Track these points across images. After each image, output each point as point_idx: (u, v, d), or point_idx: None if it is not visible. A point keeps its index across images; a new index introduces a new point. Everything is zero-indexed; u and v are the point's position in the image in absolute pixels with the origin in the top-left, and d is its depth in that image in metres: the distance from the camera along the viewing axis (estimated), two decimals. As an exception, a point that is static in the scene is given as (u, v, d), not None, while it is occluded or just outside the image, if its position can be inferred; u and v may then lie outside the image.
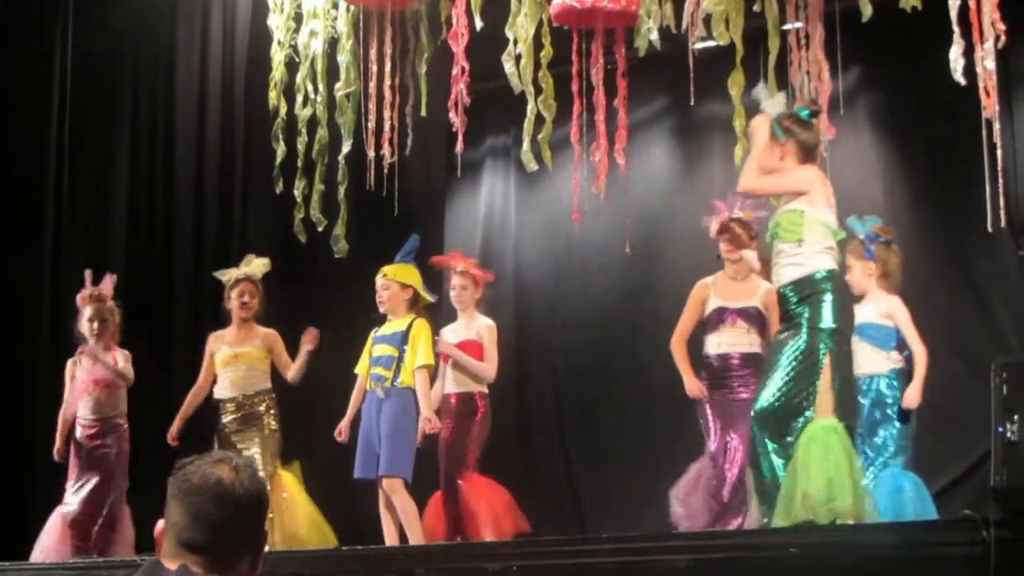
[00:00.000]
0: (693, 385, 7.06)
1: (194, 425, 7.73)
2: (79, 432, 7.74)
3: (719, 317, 7.07)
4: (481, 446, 7.43)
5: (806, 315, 5.29)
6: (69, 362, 7.89)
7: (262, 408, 7.56)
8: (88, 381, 7.78)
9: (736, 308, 7.02)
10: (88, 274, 7.96)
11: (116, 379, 7.80)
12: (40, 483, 8.68)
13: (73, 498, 7.65)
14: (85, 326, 7.84)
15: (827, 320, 5.28)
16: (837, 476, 5.07)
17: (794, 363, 5.30)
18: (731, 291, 7.08)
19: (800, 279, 5.35)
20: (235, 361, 7.61)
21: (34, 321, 9.33)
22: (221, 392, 7.63)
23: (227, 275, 7.76)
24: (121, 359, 7.84)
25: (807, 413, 5.24)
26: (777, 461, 5.28)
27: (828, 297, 5.30)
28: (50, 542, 7.59)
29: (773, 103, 5.68)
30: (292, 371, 7.59)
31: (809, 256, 5.35)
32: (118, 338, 7.96)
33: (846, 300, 5.46)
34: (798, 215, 5.40)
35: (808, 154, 5.57)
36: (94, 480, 7.66)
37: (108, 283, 7.94)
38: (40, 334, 9.30)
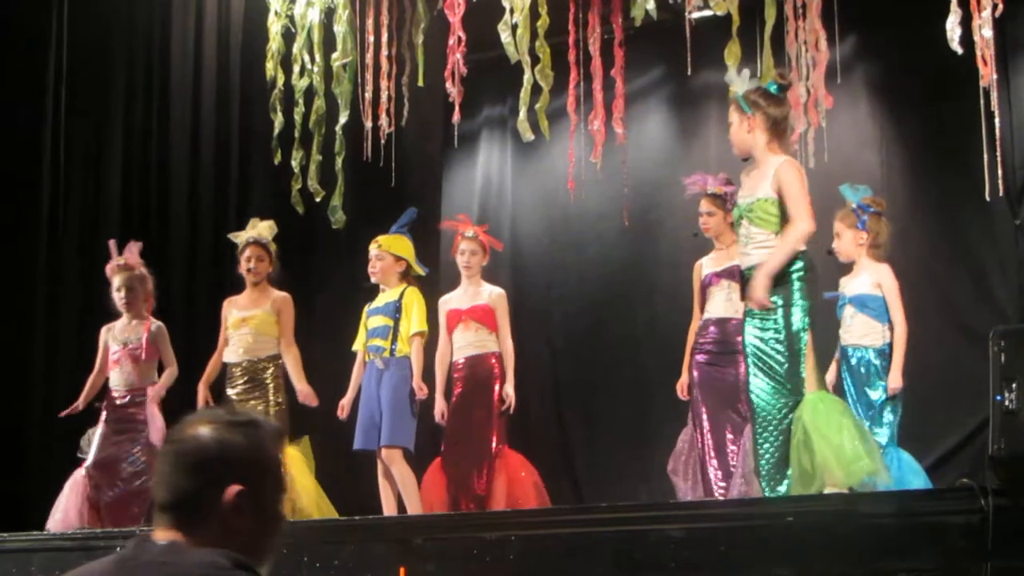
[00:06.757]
0: (682, 382, 7.18)
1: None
2: (111, 396, 7.62)
3: (708, 282, 7.16)
4: (504, 414, 7.38)
5: (781, 296, 5.30)
6: (103, 329, 7.76)
7: (268, 375, 7.43)
8: (121, 352, 7.66)
9: (718, 271, 7.10)
10: (112, 243, 7.85)
11: (148, 355, 7.65)
12: (38, 458, 8.68)
13: (93, 457, 7.50)
14: (115, 296, 7.72)
15: (799, 299, 5.31)
16: (851, 438, 5.13)
17: (775, 343, 5.33)
18: (718, 258, 7.20)
19: None
20: (243, 325, 7.49)
21: (30, 290, 9.30)
22: (230, 356, 7.53)
23: (238, 238, 7.68)
24: (155, 334, 7.68)
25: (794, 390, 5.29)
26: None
27: (799, 275, 5.33)
28: (69, 504, 7.40)
29: (740, 82, 5.66)
30: (293, 372, 7.44)
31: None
32: (152, 305, 7.84)
33: (814, 277, 5.48)
34: (773, 204, 5.41)
35: (776, 126, 5.53)
36: (118, 441, 7.53)
37: (134, 250, 7.79)
38: (36, 304, 9.28)
